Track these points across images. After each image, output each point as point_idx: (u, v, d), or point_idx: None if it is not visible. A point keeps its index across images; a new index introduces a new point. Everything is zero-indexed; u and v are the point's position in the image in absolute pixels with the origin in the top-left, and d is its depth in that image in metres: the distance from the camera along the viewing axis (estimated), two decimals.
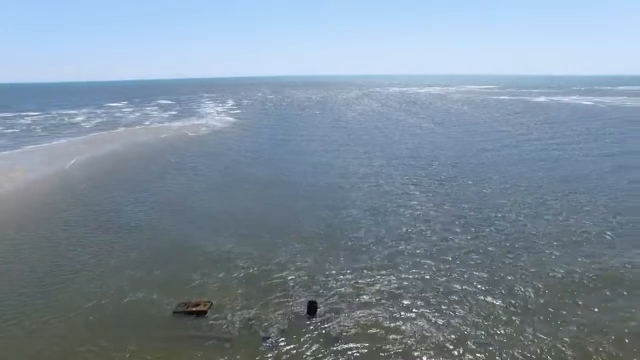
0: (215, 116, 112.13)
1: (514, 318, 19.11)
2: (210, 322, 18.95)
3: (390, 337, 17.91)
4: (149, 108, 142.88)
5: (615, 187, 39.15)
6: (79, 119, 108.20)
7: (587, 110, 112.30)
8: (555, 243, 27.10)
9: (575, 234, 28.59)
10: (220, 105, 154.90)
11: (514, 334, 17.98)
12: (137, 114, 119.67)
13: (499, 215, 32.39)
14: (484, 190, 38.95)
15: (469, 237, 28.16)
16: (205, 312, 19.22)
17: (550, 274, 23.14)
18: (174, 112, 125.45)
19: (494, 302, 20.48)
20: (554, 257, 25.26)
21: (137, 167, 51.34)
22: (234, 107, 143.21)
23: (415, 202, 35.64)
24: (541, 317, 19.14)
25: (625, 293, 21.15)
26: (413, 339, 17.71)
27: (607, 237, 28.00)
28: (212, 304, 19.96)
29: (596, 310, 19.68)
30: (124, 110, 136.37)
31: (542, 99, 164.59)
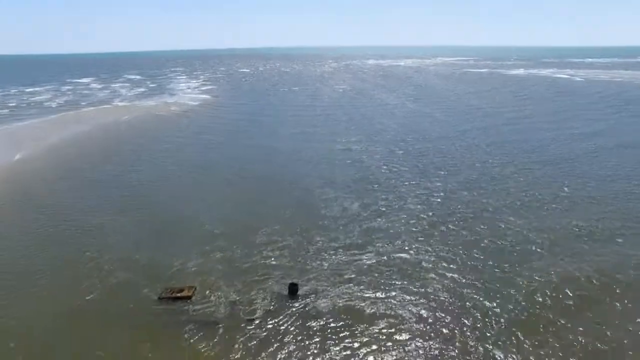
0: (187, 93, 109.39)
1: (485, 286, 20.60)
2: (196, 306, 19.60)
3: (369, 313, 19.04)
4: (118, 84, 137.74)
5: (603, 172, 40.15)
6: (43, 97, 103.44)
7: (567, 85, 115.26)
8: (541, 239, 28.60)
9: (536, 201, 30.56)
10: (192, 80, 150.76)
11: (485, 304, 19.46)
12: (106, 92, 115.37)
13: (469, 192, 33.91)
14: (461, 170, 40.39)
15: (441, 214, 29.51)
16: (190, 297, 19.82)
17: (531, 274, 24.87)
18: (143, 89, 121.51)
19: (466, 275, 21.91)
20: (541, 257, 26.58)
21: (109, 150, 50.25)
22: (207, 83, 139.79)
23: (390, 180, 36.73)
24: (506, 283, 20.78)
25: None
26: (391, 315, 18.91)
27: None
28: (196, 288, 20.55)
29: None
30: (91, 87, 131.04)
31: (519, 71, 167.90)
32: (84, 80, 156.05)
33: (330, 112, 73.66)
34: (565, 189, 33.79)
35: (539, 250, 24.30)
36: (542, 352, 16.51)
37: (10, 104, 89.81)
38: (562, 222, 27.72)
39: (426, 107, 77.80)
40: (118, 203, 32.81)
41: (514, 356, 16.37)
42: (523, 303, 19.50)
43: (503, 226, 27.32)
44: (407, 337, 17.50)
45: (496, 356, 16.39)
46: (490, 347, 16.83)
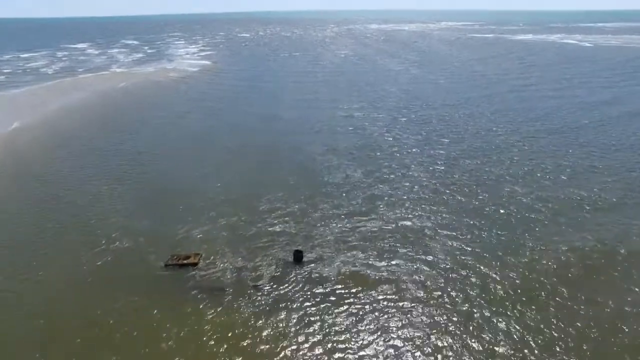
0: (186, 59, 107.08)
1: (488, 254, 20.81)
2: (202, 272, 19.88)
3: (373, 279, 19.31)
4: (115, 50, 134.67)
5: (608, 141, 39.18)
6: (39, 63, 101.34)
7: (575, 51, 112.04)
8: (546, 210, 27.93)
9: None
10: (191, 45, 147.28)
11: (487, 272, 19.70)
12: (103, 58, 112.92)
13: (470, 161, 33.68)
14: (465, 138, 39.99)
15: (444, 182, 29.43)
16: (196, 264, 20.05)
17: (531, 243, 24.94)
18: (141, 55, 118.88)
19: (469, 242, 22.06)
20: (547, 230, 26.67)
21: (107, 118, 49.71)
22: (206, 48, 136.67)
23: (393, 148, 36.45)
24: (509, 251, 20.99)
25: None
26: (395, 281, 19.18)
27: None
28: (201, 255, 20.77)
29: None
30: (88, 52, 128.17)
31: (526, 37, 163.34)
32: (80, 45, 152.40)
33: (332, 78, 72.34)
34: (570, 158, 33.57)
35: (541, 218, 24.36)
36: (543, 320, 16.80)
37: (5, 70, 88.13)
38: (566, 191, 27.68)
39: (430, 73, 76.28)
40: (118, 171, 32.72)
41: (516, 324, 16.67)
42: (525, 272, 19.71)
43: (506, 195, 27.31)
44: (410, 304, 17.80)
45: (498, 323, 16.69)
46: (492, 314, 17.14)
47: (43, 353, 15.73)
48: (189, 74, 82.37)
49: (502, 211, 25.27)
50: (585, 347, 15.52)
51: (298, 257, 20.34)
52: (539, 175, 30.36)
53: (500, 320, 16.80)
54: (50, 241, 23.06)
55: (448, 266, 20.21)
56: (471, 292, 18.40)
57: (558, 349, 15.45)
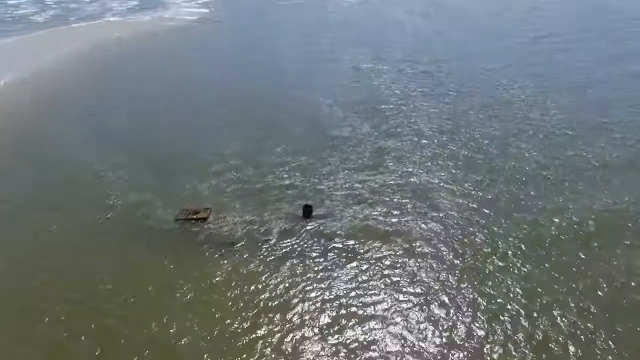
0: (183, 7, 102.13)
1: (496, 210, 20.80)
2: (212, 226, 19.92)
3: (383, 232, 19.40)
4: None
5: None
6: (28, 10, 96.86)
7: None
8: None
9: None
10: None
11: (494, 229, 19.75)
12: (95, 5, 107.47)
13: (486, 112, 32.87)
14: (476, 92, 38.82)
15: (453, 137, 28.86)
16: (205, 219, 20.05)
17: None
18: (136, 2, 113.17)
19: (478, 198, 21.99)
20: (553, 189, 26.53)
21: (103, 73, 48.17)
22: None
23: (399, 101, 35.46)
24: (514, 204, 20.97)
25: None
26: (405, 233, 19.28)
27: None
28: (211, 210, 20.72)
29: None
30: None
31: None
32: None
33: (337, 28, 69.32)
34: (585, 116, 32.21)
35: (552, 176, 23.97)
36: (552, 278, 16.95)
37: None
38: (579, 150, 26.86)
39: (439, 24, 72.91)
40: (120, 128, 31.91)
41: (524, 281, 16.80)
42: (535, 229, 19.67)
43: (516, 152, 26.74)
44: (420, 259, 17.97)
45: (507, 280, 16.88)
46: (500, 271, 17.32)
47: (52, 308, 15.96)
48: (188, 23, 78.67)
49: (511, 166, 24.96)
50: (594, 305, 15.73)
51: (307, 211, 20.30)
52: (552, 132, 29.39)
53: (509, 276, 17.01)
54: (48, 198, 22.77)
55: (456, 221, 20.21)
56: (480, 249, 18.52)
57: (567, 306, 15.70)
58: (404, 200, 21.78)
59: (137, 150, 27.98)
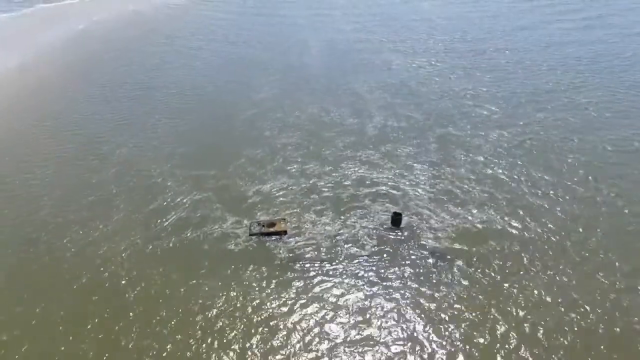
0: None
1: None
2: (291, 240, 17.55)
3: (481, 234, 17.48)
4: None
5: None
6: None
7: None
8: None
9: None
10: None
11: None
12: None
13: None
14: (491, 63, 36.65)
15: (515, 129, 26.88)
16: (285, 232, 17.63)
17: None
18: None
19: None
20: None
21: (87, 60, 43.93)
22: None
23: (436, 84, 33.21)
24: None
25: None
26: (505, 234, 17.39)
27: None
28: (286, 220, 18.31)
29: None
30: None
31: None
32: None
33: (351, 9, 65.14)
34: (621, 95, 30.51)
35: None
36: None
37: None
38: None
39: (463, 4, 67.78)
40: (148, 113, 29.43)
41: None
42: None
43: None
44: (530, 267, 16.15)
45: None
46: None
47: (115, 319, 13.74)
48: (178, 1, 73.16)
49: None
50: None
51: (396, 220, 18.12)
52: (591, 112, 27.92)
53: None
54: (116, 200, 20.32)
55: (557, 222, 18.37)
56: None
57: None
58: (489, 198, 19.81)
59: (176, 141, 24.92)
